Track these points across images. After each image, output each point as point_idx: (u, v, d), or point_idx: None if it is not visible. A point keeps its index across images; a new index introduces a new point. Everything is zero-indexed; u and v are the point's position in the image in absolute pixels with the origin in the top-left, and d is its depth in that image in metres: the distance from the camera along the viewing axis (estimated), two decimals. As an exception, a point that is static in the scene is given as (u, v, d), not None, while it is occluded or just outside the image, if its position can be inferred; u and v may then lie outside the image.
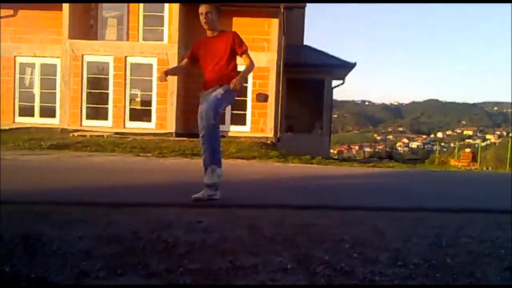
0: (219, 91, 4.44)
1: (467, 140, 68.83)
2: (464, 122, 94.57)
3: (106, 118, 14.12)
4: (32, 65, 15.00)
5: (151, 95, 14.15)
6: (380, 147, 57.42)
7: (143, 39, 14.76)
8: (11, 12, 14.87)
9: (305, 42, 20.92)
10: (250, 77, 14.63)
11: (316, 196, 5.28)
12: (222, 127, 14.36)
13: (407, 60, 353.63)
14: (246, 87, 14.59)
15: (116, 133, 13.51)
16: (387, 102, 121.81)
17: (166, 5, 14.54)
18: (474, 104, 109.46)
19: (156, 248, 2.75)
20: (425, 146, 65.64)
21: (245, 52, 4.57)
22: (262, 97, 14.53)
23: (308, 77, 17.78)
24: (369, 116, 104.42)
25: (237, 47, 4.54)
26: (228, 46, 4.55)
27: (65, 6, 13.98)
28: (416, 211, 4.26)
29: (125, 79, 14.06)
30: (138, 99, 14.48)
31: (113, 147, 10.58)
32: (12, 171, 6.50)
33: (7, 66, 14.83)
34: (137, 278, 2.31)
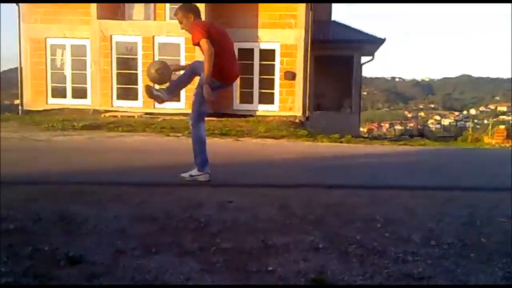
0: None
1: (501, 117, 66.82)
2: (498, 98, 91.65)
3: (136, 99, 14.28)
4: (63, 46, 15.21)
5: (179, 75, 14.21)
6: (411, 124, 56.31)
7: (170, 19, 14.76)
8: (41, -7, 15.06)
9: (333, 18, 20.56)
10: (277, 54, 14.51)
11: (346, 175, 5.26)
12: (250, 106, 14.48)
13: (438, 34, 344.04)
14: (273, 65, 14.50)
15: (147, 113, 13.66)
16: (418, 78, 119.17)
17: (193, -16, 14.48)
18: (508, 79, 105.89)
19: (188, 227, 2.80)
20: (458, 123, 64.09)
21: (201, 39, 4.19)
22: (290, 75, 14.40)
23: (336, 53, 17.49)
24: (400, 92, 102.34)
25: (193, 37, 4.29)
26: None
27: (94, -13, 14.07)
28: (448, 190, 4.19)
29: (153, 59, 14.14)
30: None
31: (144, 127, 10.72)
32: (47, 152, 6.68)
33: (38, 47, 15.06)
34: (171, 256, 2.36)
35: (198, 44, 4.21)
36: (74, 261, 2.25)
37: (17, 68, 15.66)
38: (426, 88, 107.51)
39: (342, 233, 2.75)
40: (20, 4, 15.00)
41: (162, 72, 4.52)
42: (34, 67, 15.10)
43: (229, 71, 4.41)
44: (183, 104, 13.99)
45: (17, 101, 16.39)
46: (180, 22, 4.44)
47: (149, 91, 4.59)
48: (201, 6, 13.79)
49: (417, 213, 3.23)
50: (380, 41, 17.57)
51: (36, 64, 15.07)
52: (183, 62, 14.09)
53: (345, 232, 2.75)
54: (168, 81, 4.64)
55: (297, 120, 14.01)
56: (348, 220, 3.01)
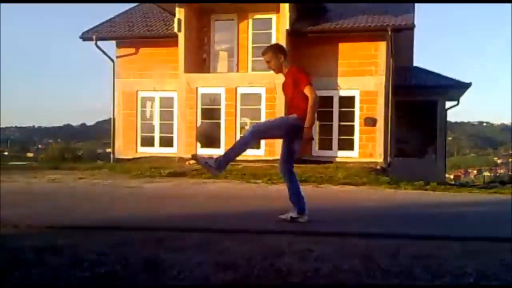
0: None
1: None
2: None
3: (218, 147, 14.75)
4: (152, 99, 16.25)
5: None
6: (501, 171, 52.77)
7: (252, 70, 15.32)
8: (133, 50, 16.34)
9: (415, 63, 20.22)
10: (357, 101, 14.45)
11: (433, 225, 5.01)
12: (329, 153, 14.40)
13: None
14: (353, 111, 14.43)
15: (228, 160, 14.02)
16: (507, 122, 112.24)
17: (274, 36, 14.99)
18: None
19: (269, 276, 2.79)
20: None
21: (308, 85, 4.49)
22: (370, 122, 14.22)
23: (419, 99, 17.11)
24: (488, 137, 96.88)
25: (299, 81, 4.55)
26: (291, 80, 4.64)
27: (181, 42, 14.99)
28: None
29: (235, 109, 14.64)
30: (247, 127, 14.96)
31: (225, 174, 10.97)
32: (135, 199, 7.03)
33: (130, 100, 16.21)
34: (253, 305, 2.36)
35: (294, 87, 4.52)
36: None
37: (110, 119, 16.88)
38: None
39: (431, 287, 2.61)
40: (115, 60, 16.33)
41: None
42: (125, 118, 16.21)
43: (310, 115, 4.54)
44: (262, 151, 14.22)
45: (109, 150, 17.52)
46: (268, 62, 4.69)
47: (196, 159, 4.75)
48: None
49: (514, 268, 2.99)
50: (466, 86, 16.99)
51: (128, 115, 16.17)
52: (263, 111, 14.45)
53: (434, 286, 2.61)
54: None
55: (378, 167, 13.67)
56: (437, 274, 2.85)
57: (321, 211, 5.80)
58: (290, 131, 4.61)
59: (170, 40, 15.33)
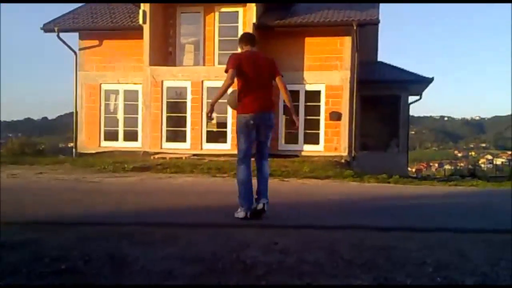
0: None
1: (558, 155, 63.49)
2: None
3: (184, 141, 14.63)
4: (116, 92, 15.93)
5: (226, 117, 14.49)
6: (462, 164, 54.36)
7: (219, 63, 15.22)
8: (96, 42, 15.96)
9: (379, 59, 20.56)
10: (323, 95, 14.60)
11: (395, 217, 5.13)
12: (295, 147, 14.52)
13: (488, 72, 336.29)
14: (319, 106, 14.57)
15: (194, 154, 13.95)
16: (468, 116, 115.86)
17: (240, 29, 14.94)
18: None
19: (235, 269, 2.80)
20: (511, 163, 61.40)
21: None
22: (335, 116, 14.39)
23: (383, 93, 17.40)
24: (449, 132, 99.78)
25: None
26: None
27: (146, 34, 14.76)
28: (503, 233, 4.01)
29: (201, 103, 14.54)
30: (214, 121, 14.87)
31: (191, 169, 10.93)
32: (99, 193, 6.91)
33: (93, 93, 15.86)
34: (218, 299, 2.36)
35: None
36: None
37: (72, 113, 16.48)
38: (477, 127, 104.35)
39: (392, 277, 2.67)
40: (78, 52, 15.95)
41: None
42: (88, 112, 15.86)
43: (245, 103, 4.65)
44: (229, 145, 14.21)
45: (71, 144, 17.13)
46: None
47: None
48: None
49: (471, 257, 3.10)
50: (428, 81, 17.38)
51: (91, 109, 15.83)
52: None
53: (394, 276, 2.68)
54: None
55: (342, 160, 13.88)
56: (398, 264, 2.92)
57: (286, 204, 5.85)
58: None
59: (135, 32, 15.05)
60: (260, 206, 4.53)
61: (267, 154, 4.88)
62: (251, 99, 4.64)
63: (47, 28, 15.74)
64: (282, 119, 14.31)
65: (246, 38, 4.92)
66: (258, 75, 4.66)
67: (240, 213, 4.51)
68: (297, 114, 4.85)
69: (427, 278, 2.65)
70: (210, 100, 14.63)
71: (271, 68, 4.74)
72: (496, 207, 6.44)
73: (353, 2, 15.10)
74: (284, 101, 4.84)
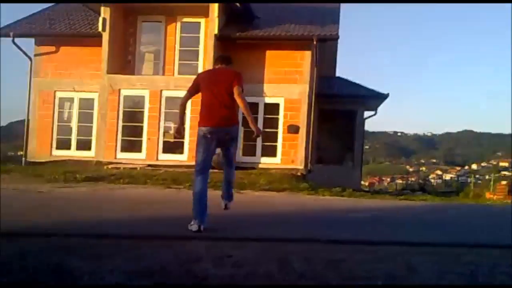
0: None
1: (503, 172, 66.47)
2: (499, 153, 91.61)
3: (140, 151, 14.38)
4: (71, 100, 15.49)
5: (184, 127, 14.39)
6: (413, 179, 56.11)
7: (179, 73, 15.11)
8: (53, 49, 15.52)
9: (338, 74, 20.98)
10: (282, 108, 14.73)
11: (347, 230, 5.20)
12: (252, 159, 14.53)
13: (441, 90, 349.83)
14: (277, 118, 14.68)
15: (149, 165, 13.72)
16: (420, 132, 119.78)
17: (202, 40, 14.92)
18: (509, 135, 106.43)
19: (185, 283, 2.75)
20: (459, 178, 63.85)
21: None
22: (293, 129, 14.54)
23: (340, 108, 17.74)
24: (402, 147, 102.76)
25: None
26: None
27: (105, 42, 14.48)
28: (450, 247, 4.13)
29: (159, 112, 14.36)
30: (172, 132, 14.72)
31: (145, 179, 10.74)
32: (47, 204, 6.67)
33: (47, 100, 15.35)
34: (166, 313, 2.30)
35: None
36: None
37: (23, 120, 15.90)
38: (428, 142, 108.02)
39: (342, 290, 2.69)
40: (33, 58, 15.46)
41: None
42: (41, 120, 15.36)
43: (202, 116, 4.79)
44: (185, 156, 14.08)
45: (21, 152, 16.50)
46: None
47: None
48: (210, 59, 14.20)
49: (419, 270, 3.17)
50: (384, 97, 17.85)
51: (44, 116, 15.33)
52: (188, 115, 14.31)
53: (344, 290, 2.70)
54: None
55: (299, 173, 14.00)
56: (348, 277, 2.95)
57: (241, 216, 5.83)
58: None
59: (93, 39, 14.75)
60: (223, 205, 5.23)
61: (231, 161, 5.16)
62: (207, 113, 4.75)
63: (3, 32, 15.26)
64: (240, 130, 14.30)
65: (218, 58, 5.16)
66: (216, 90, 4.74)
67: (193, 226, 4.42)
68: (256, 123, 5.05)
69: (376, 291, 2.69)
70: (168, 110, 14.54)
71: (229, 81, 4.74)
72: (444, 221, 6.64)
73: (315, 2, 15.33)
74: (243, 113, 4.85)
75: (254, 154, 14.61)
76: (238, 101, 4.73)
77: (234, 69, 5.08)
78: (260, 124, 14.42)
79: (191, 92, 4.91)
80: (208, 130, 4.69)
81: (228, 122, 4.78)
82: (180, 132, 5.09)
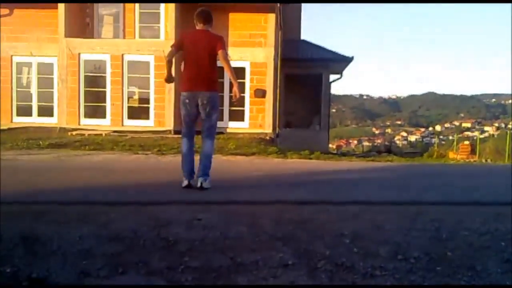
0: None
1: (466, 133, 68.82)
2: (462, 115, 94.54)
3: (104, 117, 14.09)
4: (29, 65, 14.93)
5: (148, 92, 14.13)
6: (379, 141, 57.41)
7: (140, 37, 14.72)
8: (7, 11, 14.79)
9: (302, 37, 20.89)
10: (248, 72, 14.62)
11: (315, 191, 5.29)
12: (220, 123, 14.40)
13: (404, 53, 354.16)
14: (244, 83, 14.58)
15: (115, 131, 13.49)
16: (385, 95, 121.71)
17: (162, 3, 14.51)
18: (472, 96, 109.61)
19: (156, 246, 2.75)
20: (424, 139, 65.66)
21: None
22: (260, 93, 14.50)
23: (305, 72, 17.76)
24: (367, 110, 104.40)
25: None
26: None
27: (61, 4, 13.91)
28: (415, 205, 4.26)
29: (122, 77, 14.03)
30: (136, 97, 14.45)
31: (111, 146, 10.56)
32: (11, 171, 6.49)
33: (4, 66, 14.73)
34: (138, 277, 2.31)
35: None
36: (37, 282, 2.19)
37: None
38: (393, 105, 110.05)
39: (311, 249, 2.75)
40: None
41: None
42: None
43: (183, 81, 4.85)
44: (151, 122, 13.91)
45: (-20, 120, 15.92)
46: None
47: None
48: (172, 22, 13.83)
49: (385, 228, 3.27)
50: (348, 60, 17.94)
51: (1, 82, 14.74)
52: (152, 80, 14.04)
53: (314, 248, 2.76)
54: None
55: (267, 137, 14.08)
56: (317, 236, 3.02)
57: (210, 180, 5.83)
58: None
59: (49, 3, 14.11)
60: (198, 184, 4.75)
61: (210, 132, 5.02)
62: (187, 78, 4.81)
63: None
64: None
65: (199, 16, 4.95)
66: (196, 54, 4.77)
67: (184, 182, 4.83)
68: (240, 89, 5.12)
69: (344, 249, 2.76)
70: (131, 75, 14.21)
71: (211, 45, 4.77)
72: (407, 181, 6.83)
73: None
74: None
75: (221, 119, 14.54)
76: (224, 64, 4.80)
77: (215, 31, 5.01)
78: (226, 89, 14.33)
79: (176, 48, 4.87)
80: (188, 95, 4.81)
81: (209, 87, 4.85)
82: (169, 79, 5.03)
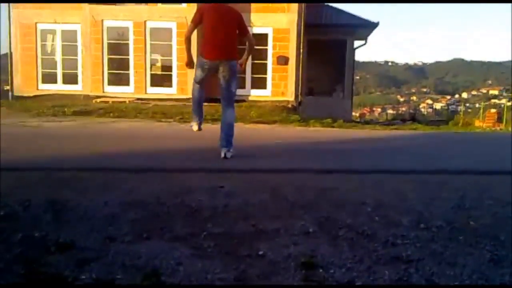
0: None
1: (493, 100, 67.13)
2: (490, 82, 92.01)
3: (127, 84, 14.18)
4: (53, 32, 15.01)
5: (171, 60, 14.11)
6: (403, 108, 56.49)
7: (162, 3, 14.61)
8: (31, -21, 14.85)
9: (326, 2, 20.40)
10: (270, 39, 14.42)
11: (338, 160, 5.27)
12: (242, 91, 14.40)
13: (431, 18, 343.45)
14: (266, 49, 14.42)
15: (138, 99, 13.59)
16: (411, 62, 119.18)
17: (185, -33, 14.31)
18: (500, 63, 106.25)
19: (179, 213, 2.80)
20: (450, 107, 64.34)
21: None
22: (282, 60, 14.33)
23: (329, 38, 17.40)
24: (392, 77, 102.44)
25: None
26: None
27: (84, -29, 13.88)
28: (439, 174, 4.22)
29: (145, 44, 14.02)
30: (159, 64, 14.46)
31: (135, 113, 10.67)
32: (37, 138, 6.64)
33: (28, 33, 14.87)
34: (162, 242, 2.37)
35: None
36: (65, 247, 2.26)
37: (7, 54, 15.47)
38: (419, 72, 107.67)
39: (333, 217, 2.77)
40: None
41: None
42: (24, 53, 14.94)
43: (204, 49, 4.90)
44: (174, 89, 13.95)
45: (7, 87, 16.21)
46: None
47: None
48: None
49: (407, 197, 3.26)
50: (373, 25, 17.50)
51: (26, 49, 14.91)
52: (175, 48, 14.00)
53: (335, 216, 2.77)
54: None
55: (289, 105, 13.99)
56: (339, 205, 3.02)
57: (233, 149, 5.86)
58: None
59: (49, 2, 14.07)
60: (222, 154, 4.75)
61: (230, 101, 5.06)
62: (209, 47, 4.84)
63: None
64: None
65: None
66: (222, 24, 4.83)
67: (194, 126, 5.25)
68: (246, 60, 5.26)
69: (365, 217, 2.77)
70: (154, 42, 14.19)
71: (235, 23, 4.91)
72: (431, 149, 6.75)
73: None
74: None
75: (244, 87, 14.47)
76: (250, 43, 5.05)
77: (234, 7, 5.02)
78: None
79: (195, 23, 4.89)
80: (209, 62, 4.84)
81: (230, 55, 4.88)
82: (190, 65, 5.10)
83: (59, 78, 14.96)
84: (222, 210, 2.86)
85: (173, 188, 3.32)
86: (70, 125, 8.77)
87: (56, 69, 14.98)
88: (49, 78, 15.01)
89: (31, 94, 14.55)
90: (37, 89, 14.92)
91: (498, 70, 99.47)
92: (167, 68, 14.19)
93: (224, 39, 4.82)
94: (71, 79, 14.84)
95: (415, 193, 3.35)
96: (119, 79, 14.26)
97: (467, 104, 55.91)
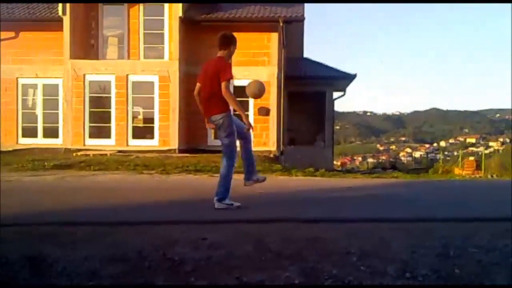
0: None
1: (470, 148, 68.45)
2: (466, 130, 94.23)
3: (109, 137, 14.16)
4: (35, 86, 15.10)
5: (153, 112, 14.20)
6: (384, 157, 57.16)
7: (144, 57, 14.86)
8: (12, 34, 15.02)
9: (305, 55, 21.01)
10: (251, 91, 14.63)
11: (321, 209, 5.26)
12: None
13: (407, 69, 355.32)
14: (247, 101, 14.63)
15: (119, 151, 13.52)
16: (389, 112, 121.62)
17: (166, 23, 14.67)
18: (476, 112, 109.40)
19: (162, 267, 2.73)
20: (429, 155, 65.28)
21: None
22: (263, 111, 14.55)
23: (309, 89, 17.82)
24: (371, 126, 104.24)
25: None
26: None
27: (66, 26, 14.11)
28: (422, 222, 4.23)
29: (127, 97, 14.13)
30: (141, 117, 14.54)
31: (116, 166, 10.58)
32: (16, 193, 6.50)
33: (9, 88, 14.93)
34: (143, 298, 2.29)
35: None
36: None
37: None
38: (397, 121, 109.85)
39: (318, 267, 2.72)
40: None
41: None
42: (4, 107, 14.93)
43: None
44: (156, 141, 13.94)
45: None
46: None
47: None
48: (176, 42, 13.96)
49: (392, 246, 3.24)
50: (351, 77, 18.01)
51: (7, 104, 14.91)
52: (157, 100, 14.13)
53: (321, 267, 2.73)
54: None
55: (271, 155, 14.07)
56: (324, 254, 2.99)
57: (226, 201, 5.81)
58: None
59: (54, 24, 14.35)
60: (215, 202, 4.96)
61: (224, 152, 5.23)
62: (201, 106, 5.20)
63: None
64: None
65: (218, 41, 5.28)
66: (205, 81, 5.04)
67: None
68: (248, 119, 5.41)
69: (351, 267, 2.74)
70: (135, 95, 14.28)
71: (213, 74, 4.96)
72: (413, 197, 6.78)
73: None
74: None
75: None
76: (226, 97, 4.90)
77: (223, 58, 5.16)
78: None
79: (197, 81, 5.20)
80: (208, 119, 5.12)
81: (210, 112, 5.05)
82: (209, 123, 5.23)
83: (40, 132, 14.90)
84: (205, 263, 2.80)
85: (155, 241, 3.26)
86: (50, 179, 8.63)
87: (36, 123, 14.94)
88: (30, 132, 14.94)
89: (11, 148, 14.38)
90: (17, 143, 14.80)
91: (474, 119, 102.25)
92: (149, 120, 14.26)
93: (205, 96, 5.06)
94: (52, 132, 14.79)
95: (400, 242, 3.34)
96: (100, 131, 14.25)
97: (446, 152, 56.89)
